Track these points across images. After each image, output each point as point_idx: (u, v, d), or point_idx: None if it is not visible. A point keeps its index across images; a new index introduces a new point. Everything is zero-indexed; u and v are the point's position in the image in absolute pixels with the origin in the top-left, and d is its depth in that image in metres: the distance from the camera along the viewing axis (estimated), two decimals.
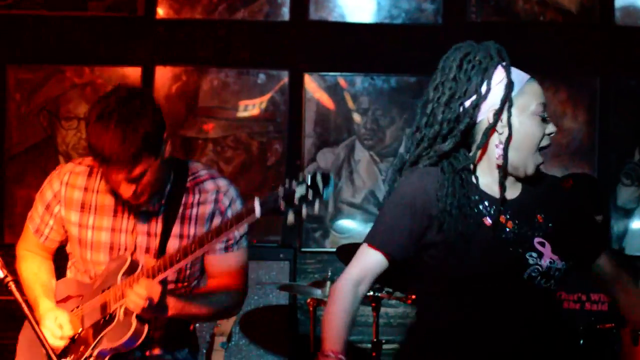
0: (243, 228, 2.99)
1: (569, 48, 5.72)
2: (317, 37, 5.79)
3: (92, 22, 5.77)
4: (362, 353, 5.38)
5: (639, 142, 5.68)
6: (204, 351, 4.89)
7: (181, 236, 3.02)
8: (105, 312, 2.96)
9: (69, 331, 3.01)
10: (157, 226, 3.02)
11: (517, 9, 5.76)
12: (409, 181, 2.54)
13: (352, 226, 5.71)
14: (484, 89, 2.50)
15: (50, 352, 2.52)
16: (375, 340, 4.81)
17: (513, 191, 2.55)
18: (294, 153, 5.75)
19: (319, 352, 2.48)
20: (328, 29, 5.79)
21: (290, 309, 5.34)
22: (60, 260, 3.25)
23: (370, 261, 2.54)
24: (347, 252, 4.27)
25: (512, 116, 2.49)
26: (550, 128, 2.53)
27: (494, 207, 2.51)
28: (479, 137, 2.52)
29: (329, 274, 4.89)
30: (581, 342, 4.01)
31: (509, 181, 2.53)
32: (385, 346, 4.87)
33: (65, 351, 3.01)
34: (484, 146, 2.52)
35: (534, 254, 2.48)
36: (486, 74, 2.50)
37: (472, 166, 2.53)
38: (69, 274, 3.20)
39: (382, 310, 5.04)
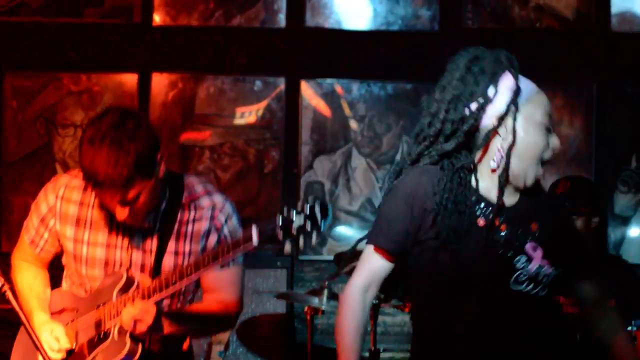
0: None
1: (565, 54, 5.71)
2: (313, 43, 5.77)
3: (88, 29, 5.74)
4: None
5: (635, 148, 5.66)
6: None
7: (176, 253, 3.01)
8: (100, 330, 2.96)
9: (65, 344, 3.01)
10: (153, 243, 3.02)
11: (513, 16, 5.74)
12: (409, 177, 2.56)
13: (349, 234, 5.69)
14: (491, 92, 2.50)
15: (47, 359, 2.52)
16: (372, 348, 4.81)
17: (511, 199, 2.56)
18: (290, 160, 5.73)
19: None
20: (324, 36, 5.77)
21: (287, 317, 5.33)
22: (55, 269, 3.24)
23: (375, 266, 2.57)
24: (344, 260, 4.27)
25: (518, 124, 2.49)
26: (554, 141, 2.54)
27: (490, 209, 2.52)
28: (481, 140, 2.52)
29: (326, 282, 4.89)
30: (580, 343, 4.02)
31: (508, 189, 2.53)
32: (382, 354, 4.88)
33: None
34: (485, 148, 2.53)
35: (523, 258, 2.50)
36: (494, 78, 2.51)
37: (472, 167, 2.54)
38: (64, 284, 3.19)
39: (380, 318, 5.03)
